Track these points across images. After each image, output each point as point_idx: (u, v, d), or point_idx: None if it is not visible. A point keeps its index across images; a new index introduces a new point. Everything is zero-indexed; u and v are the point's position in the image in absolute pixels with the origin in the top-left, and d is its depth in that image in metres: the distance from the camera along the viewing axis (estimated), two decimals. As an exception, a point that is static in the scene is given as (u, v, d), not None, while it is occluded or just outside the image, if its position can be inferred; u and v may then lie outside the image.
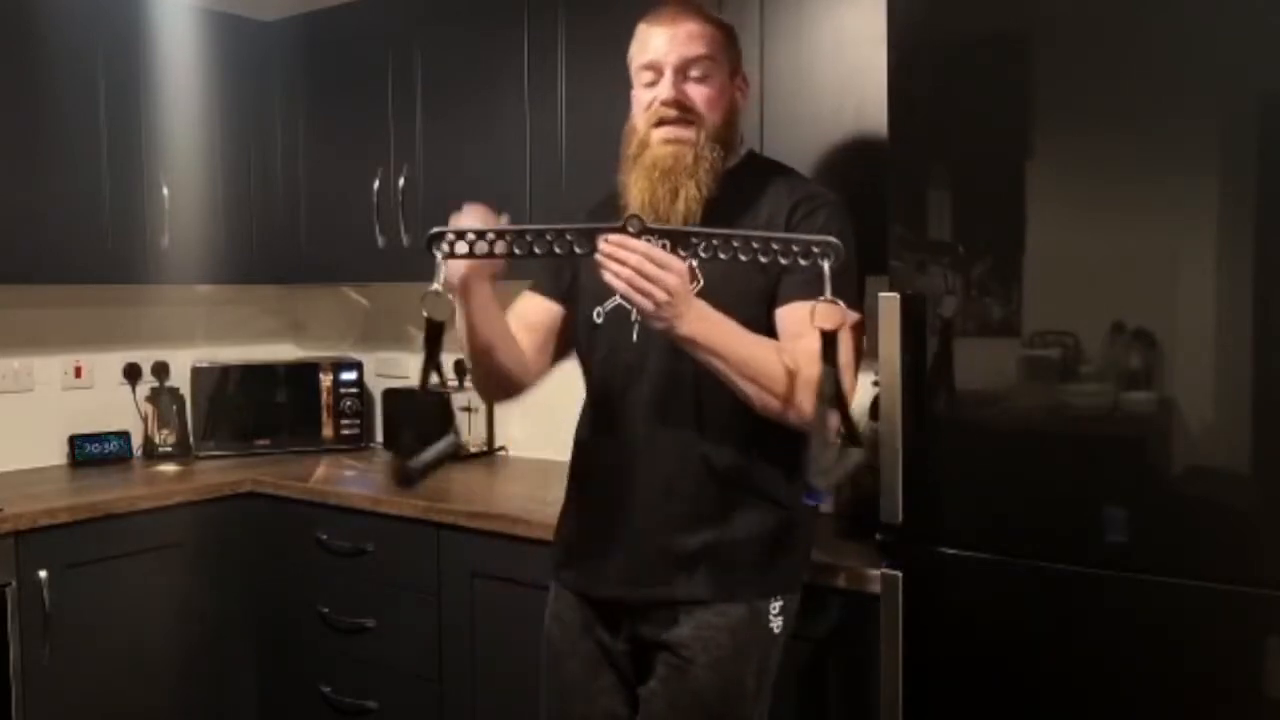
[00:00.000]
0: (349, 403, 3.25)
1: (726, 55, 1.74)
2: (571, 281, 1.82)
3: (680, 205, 1.65)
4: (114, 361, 3.16)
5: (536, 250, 1.50)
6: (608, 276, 1.47)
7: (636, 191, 1.67)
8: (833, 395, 1.46)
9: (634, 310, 1.55)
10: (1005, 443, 1.66)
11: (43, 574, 2.43)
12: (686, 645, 1.68)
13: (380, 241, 2.90)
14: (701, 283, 1.65)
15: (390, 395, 3.23)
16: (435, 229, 1.50)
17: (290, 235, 3.15)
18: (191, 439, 3.16)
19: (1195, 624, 1.51)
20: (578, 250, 1.49)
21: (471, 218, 1.54)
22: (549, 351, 1.84)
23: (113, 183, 2.81)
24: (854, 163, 2.05)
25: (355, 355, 3.41)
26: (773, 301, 1.67)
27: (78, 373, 3.09)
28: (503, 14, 2.62)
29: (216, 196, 3.04)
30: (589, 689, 1.78)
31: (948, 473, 1.70)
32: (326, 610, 2.68)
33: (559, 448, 1.99)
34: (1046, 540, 1.60)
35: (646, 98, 1.71)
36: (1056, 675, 1.60)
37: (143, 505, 2.63)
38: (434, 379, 1.52)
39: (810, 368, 1.53)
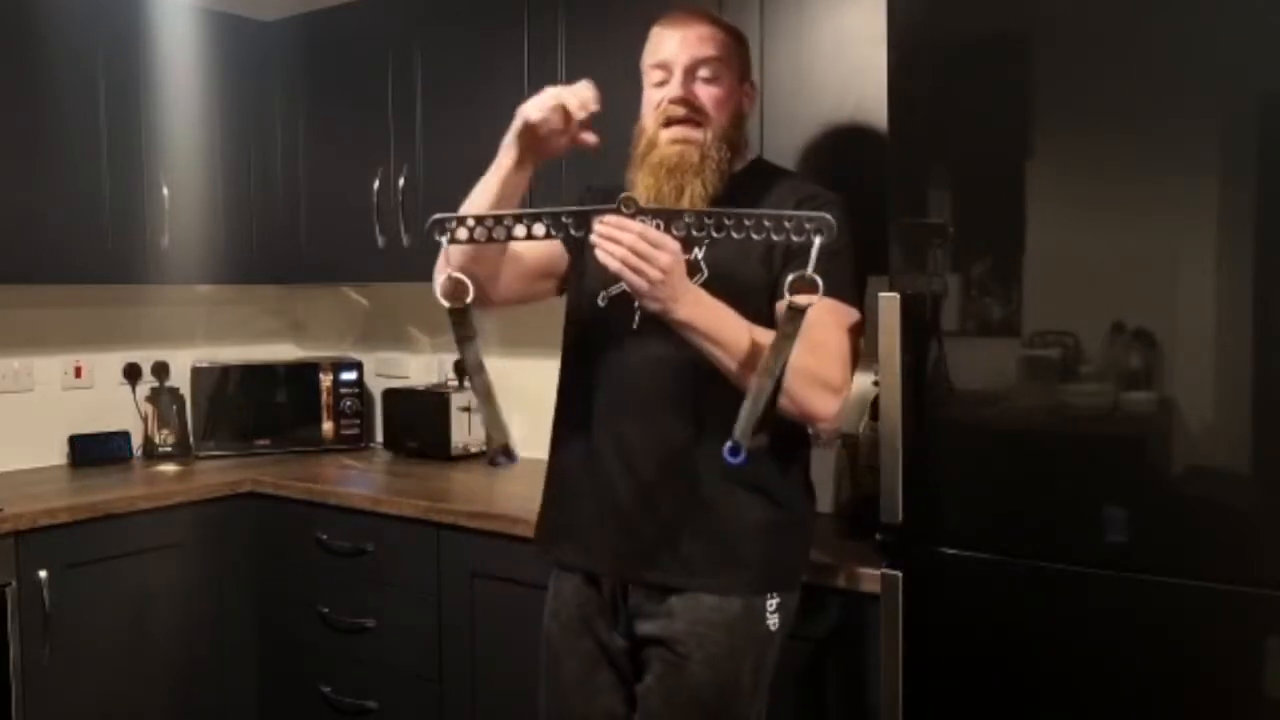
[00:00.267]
0: (349, 403, 3.26)
1: (736, 59, 1.77)
2: (572, 263, 1.84)
3: (685, 203, 1.67)
4: (114, 361, 3.16)
5: (536, 233, 1.54)
6: (602, 256, 1.49)
7: (642, 189, 1.68)
8: (776, 370, 1.47)
9: (636, 300, 1.58)
10: (1005, 443, 1.66)
11: (43, 574, 2.43)
12: (682, 641, 1.69)
13: (380, 241, 2.90)
14: (705, 273, 1.68)
15: (390, 395, 3.23)
16: (437, 215, 1.53)
17: (290, 235, 3.15)
18: (191, 439, 3.16)
19: (1195, 624, 1.51)
20: (574, 233, 1.53)
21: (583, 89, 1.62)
22: (521, 282, 1.84)
23: (113, 183, 2.81)
24: (854, 163, 2.06)
25: (355, 355, 3.41)
26: (775, 296, 1.68)
27: (78, 373, 3.10)
28: (503, 14, 2.62)
29: (216, 196, 3.05)
30: (588, 688, 1.78)
31: (948, 473, 1.70)
32: (326, 610, 2.68)
33: (559, 448, 1.99)
34: (1046, 540, 1.60)
35: (656, 97, 1.74)
36: (1056, 675, 1.60)
37: (143, 505, 2.63)
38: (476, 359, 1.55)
39: (808, 357, 1.55)
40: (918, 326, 1.68)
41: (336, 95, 3.02)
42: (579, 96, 1.62)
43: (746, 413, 1.48)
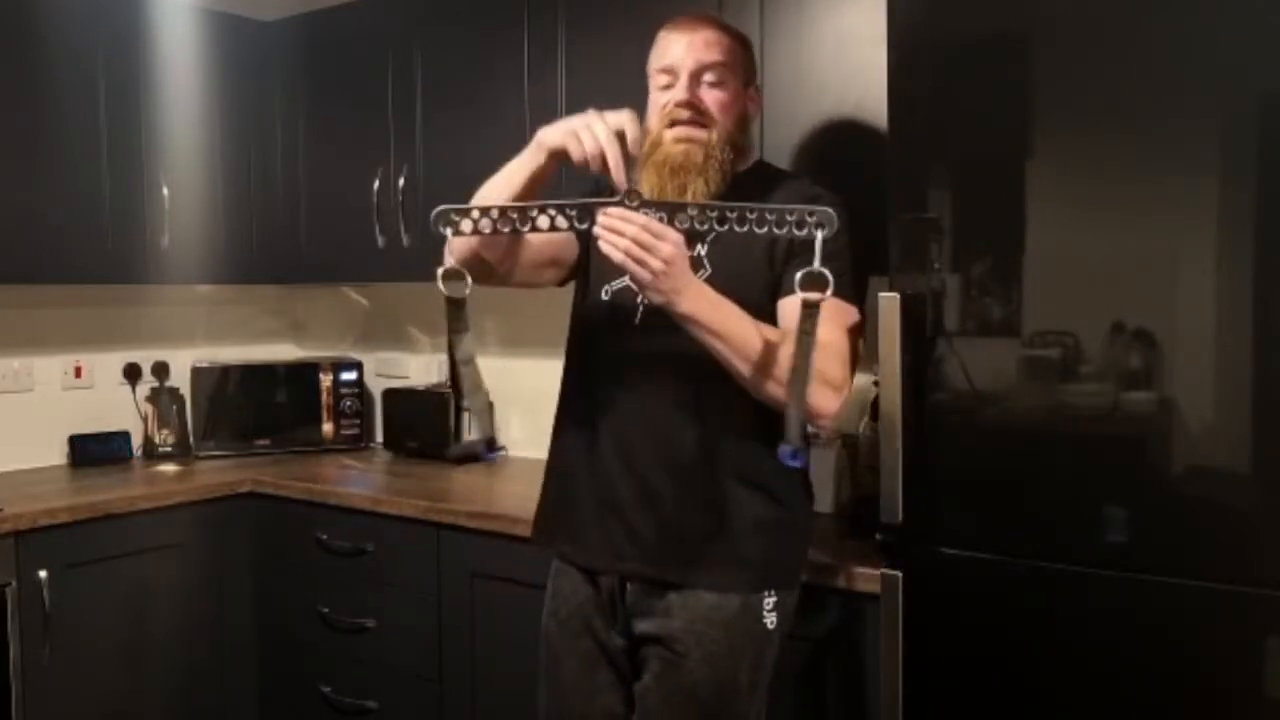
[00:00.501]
0: (349, 403, 3.26)
1: (741, 65, 1.78)
2: (581, 256, 1.85)
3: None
4: (114, 361, 3.16)
5: (539, 225, 1.54)
6: (605, 248, 1.50)
7: (646, 187, 1.69)
8: (805, 368, 1.47)
9: (639, 295, 1.59)
10: (1005, 443, 1.66)
11: (43, 574, 2.43)
12: (680, 640, 1.69)
13: (380, 241, 2.90)
14: (708, 270, 1.68)
15: (390, 395, 3.23)
16: (441, 207, 1.52)
17: (290, 235, 3.15)
18: (191, 439, 3.16)
19: (1195, 624, 1.51)
20: (578, 225, 1.54)
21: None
22: (526, 269, 1.81)
23: (113, 183, 2.81)
24: (854, 163, 2.05)
25: (355, 355, 3.41)
26: (777, 293, 1.69)
27: (78, 373, 3.10)
28: (503, 14, 2.62)
29: (216, 196, 3.05)
30: (587, 688, 1.78)
31: (948, 473, 1.70)
32: (326, 610, 2.68)
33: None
34: (1046, 540, 1.60)
35: (662, 100, 1.75)
36: (1056, 675, 1.60)
37: (143, 505, 2.63)
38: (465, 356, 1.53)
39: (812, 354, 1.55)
40: (918, 326, 1.68)
41: (336, 95, 3.02)
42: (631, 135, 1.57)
43: (794, 415, 1.48)
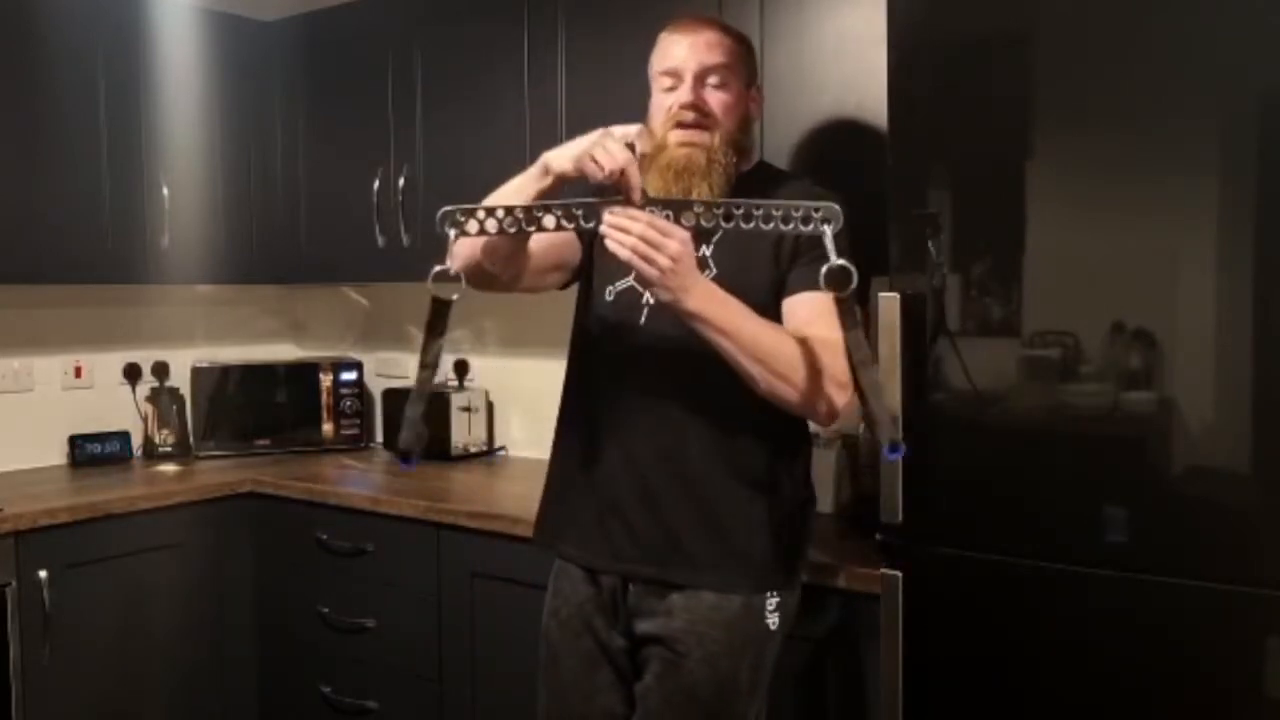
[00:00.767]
0: (349, 403, 3.26)
1: (744, 66, 1.79)
2: (585, 257, 1.84)
3: None
4: (114, 361, 3.16)
5: (546, 225, 1.54)
6: (612, 246, 1.50)
7: (650, 190, 1.69)
8: (863, 359, 1.45)
9: (644, 295, 1.59)
10: (1005, 443, 1.66)
11: (43, 574, 2.43)
12: (680, 639, 1.69)
13: (380, 241, 2.90)
14: (714, 270, 1.69)
15: (390, 395, 3.23)
16: (447, 207, 1.52)
17: (290, 235, 3.15)
18: (191, 439, 3.16)
19: (1195, 624, 1.51)
20: (584, 224, 1.54)
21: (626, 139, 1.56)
22: (530, 275, 1.81)
23: (113, 183, 2.81)
24: (854, 162, 2.05)
25: (355, 355, 3.41)
26: (783, 294, 1.70)
27: (78, 373, 3.09)
28: (502, 13, 2.62)
29: (216, 196, 3.04)
30: (587, 687, 1.78)
31: (948, 473, 1.70)
32: (326, 610, 2.68)
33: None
34: (1046, 540, 1.60)
35: (665, 102, 1.75)
36: (1056, 675, 1.60)
37: (142, 505, 2.63)
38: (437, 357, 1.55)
39: (820, 352, 1.57)
40: (918, 326, 1.68)
41: (336, 95, 3.02)
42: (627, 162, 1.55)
43: (877, 409, 1.47)
